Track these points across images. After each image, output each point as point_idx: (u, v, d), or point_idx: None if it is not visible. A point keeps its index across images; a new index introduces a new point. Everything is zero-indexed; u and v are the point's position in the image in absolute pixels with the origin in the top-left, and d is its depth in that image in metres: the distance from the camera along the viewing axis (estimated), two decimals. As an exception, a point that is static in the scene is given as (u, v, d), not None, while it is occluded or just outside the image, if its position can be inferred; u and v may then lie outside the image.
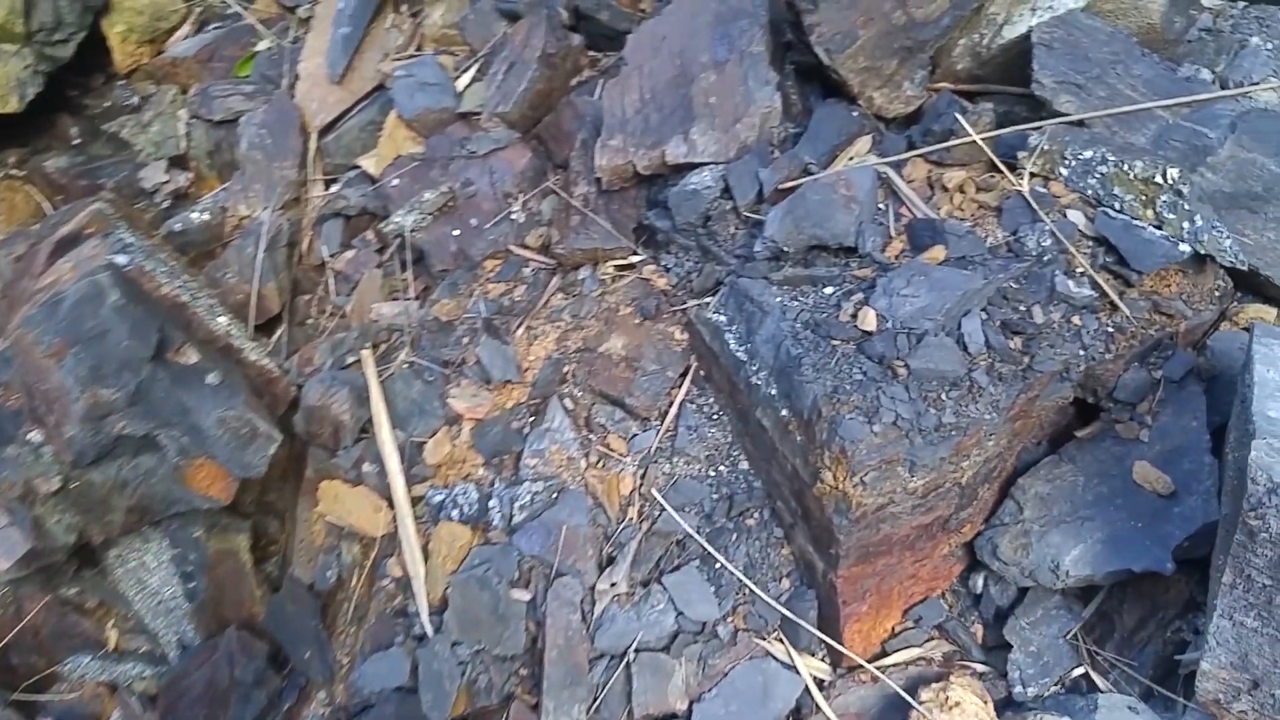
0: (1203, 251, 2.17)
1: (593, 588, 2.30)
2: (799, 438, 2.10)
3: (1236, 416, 1.92)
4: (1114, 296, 2.16)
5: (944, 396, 2.02)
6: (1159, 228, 2.21)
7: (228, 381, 2.56)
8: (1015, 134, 2.44)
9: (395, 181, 3.37)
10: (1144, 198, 2.22)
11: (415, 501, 2.61)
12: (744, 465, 2.40)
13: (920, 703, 2.05)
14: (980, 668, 2.19)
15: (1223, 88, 2.55)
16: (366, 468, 2.73)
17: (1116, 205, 2.26)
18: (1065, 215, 2.28)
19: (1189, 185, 2.16)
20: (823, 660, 2.22)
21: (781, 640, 2.22)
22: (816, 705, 2.15)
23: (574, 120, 3.20)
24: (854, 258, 2.39)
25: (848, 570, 2.10)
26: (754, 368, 2.24)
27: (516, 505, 2.45)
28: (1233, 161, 2.24)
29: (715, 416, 2.48)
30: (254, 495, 2.99)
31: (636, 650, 2.20)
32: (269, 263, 3.41)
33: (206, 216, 3.68)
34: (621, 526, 2.38)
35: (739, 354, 2.29)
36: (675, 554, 2.33)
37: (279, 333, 3.43)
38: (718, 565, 2.27)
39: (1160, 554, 1.97)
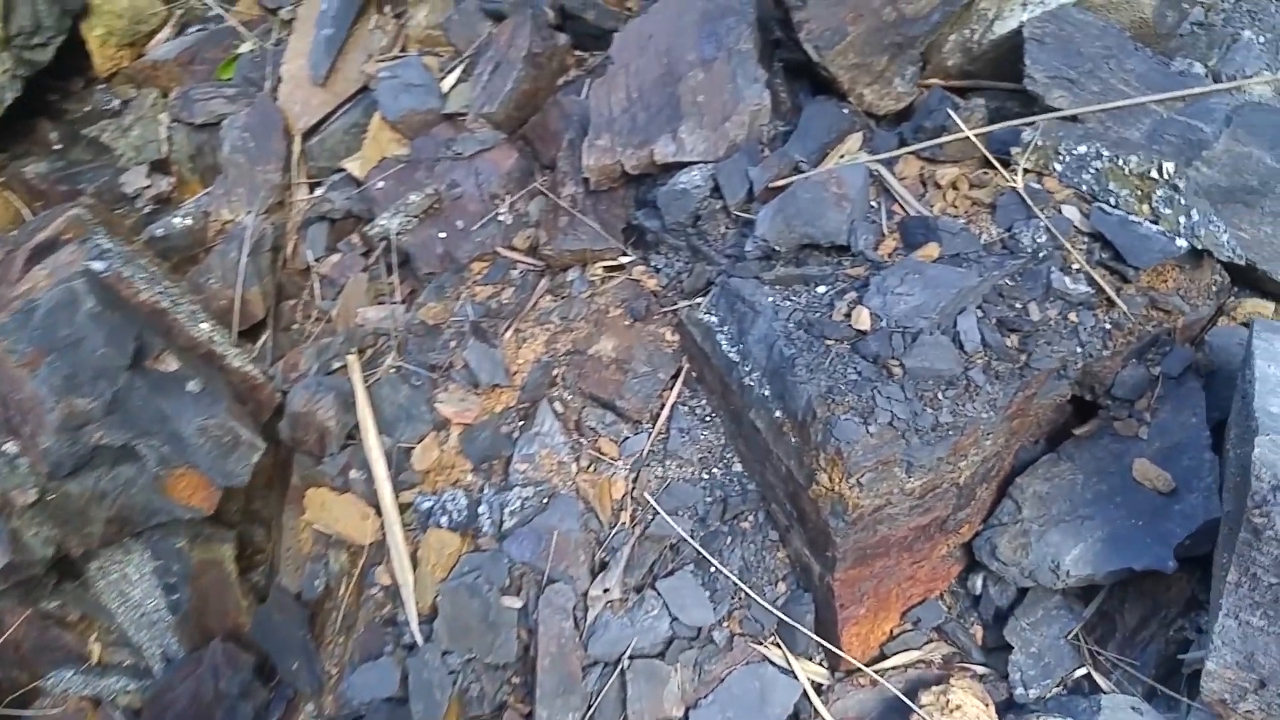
0: (1200, 246, 2.15)
1: (585, 594, 2.27)
2: (793, 439, 2.07)
3: (1237, 412, 1.90)
4: (1111, 293, 2.14)
5: (940, 396, 1.99)
6: (1155, 223, 2.19)
7: (209, 389, 2.51)
8: (1008, 130, 2.41)
9: (380, 184, 3.33)
10: (1139, 193, 2.20)
11: (403, 508, 2.58)
12: (738, 468, 2.37)
13: (920, 706, 2.03)
14: (980, 670, 2.17)
15: (1215, 82, 2.53)
16: (353, 474, 2.69)
17: (1112, 200, 2.24)
18: (1060, 211, 2.26)
19: (1185, 179, 2.14)
20: (820, 664, 2.20)
21: (778, 644, 2.19)
22: (815, 710, 2.13)
23: (561, 120, 3.16)
24: (846, 256, 2.36)
25: (845, 573, 2.07)
26: (746, 369, 2.21)
27: (506, 511, 2.42)
28: (1228, 155, 2.22)
29: (708, 418, 2.45)
30: (239, 504, 2.95)
31: (631, 657, 2.17)
32: (253, 268, 3.37)
33: (189, 221, 3.63)
34: (614, 531, 2.35)
35: (731, 355, 2.26)
36: (669, 558, 2.30)
37: (263, 338, 3.39)
38: (712, 569, 2.24)
39: (1161, 552, 1.94)
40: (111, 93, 4.35)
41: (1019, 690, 2.09)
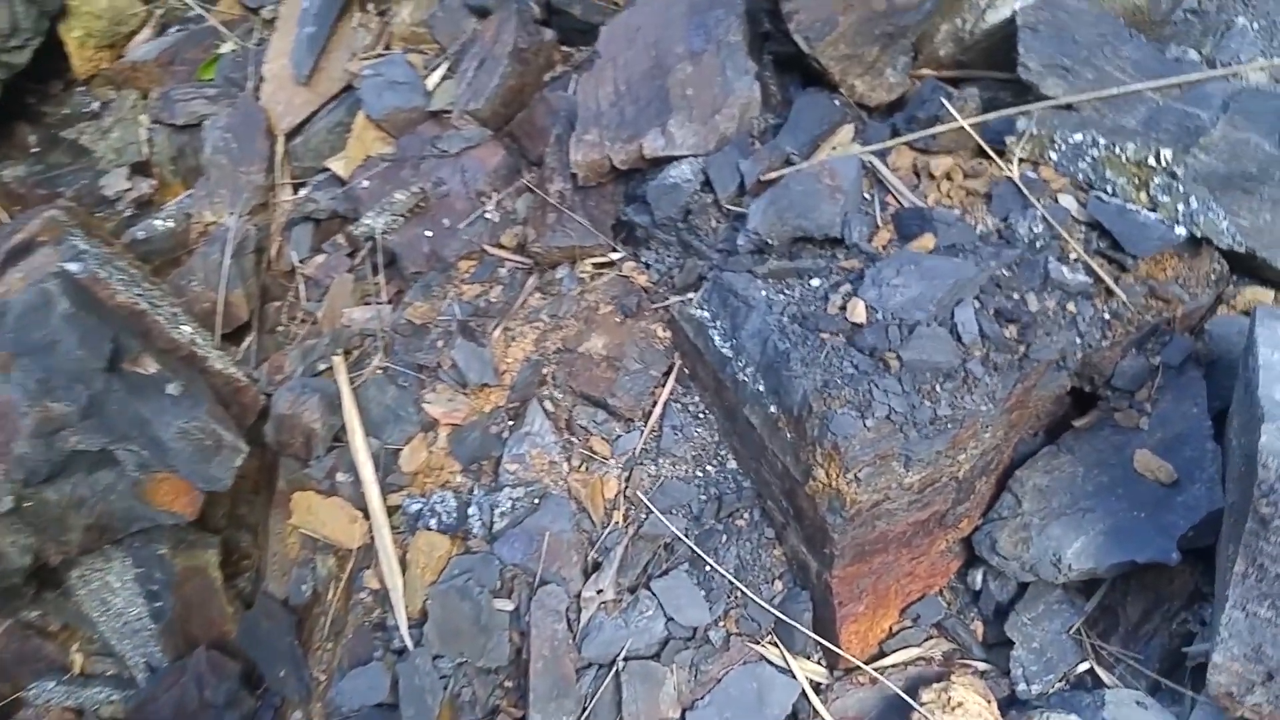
0: (1199, 234, 2.12)
1: (578, 595, 2.23)
2: (789, 435, 2.03)
3: (1240, 401, 1.87)
4: (1109, 282, 2.11)
5: (938, 388, 1.96)
6: (1153, 211, 2.16)
7: (190, 391, 2.45)
8: (1002, 119, 2.38)
9: (365, 183, 3.28)
10: (1137, 180, 2.17)
11: (391, 511, 2.53)
12: (732, 465, 2.33)
13: (922, 704, 1.99)
14: (982, 666, 2.14)
15: (1210, 69, 2.51)
16: (340, 477, 2.65)
17: (1109, 189, 2.21)
18: (1057, 200, 2.23)
19: (1183, 166, 2.11)
20: (819, 663, 2.17)
21: (776, 644, 2.16)
22: (814, 710, 2.10)
23: (548, 116, 3.11)
24: (840, 249, 2.33)
25: (843, 570, 2.03)
26: (740, 364, 2.17)
27: (497, 512, 2.38)
28: (1225, 142, 2.19)
29: (701, 415, 2.41)
30: (224, 509, 2.90)
31: (625, 658, 2.13)
32: (236, 269, 3.32)
33: (170, 224, 3.57)
34: (606, 531, 2.31)
35: (724, 350, 2.22)
36: (663, 558, 2.26)
37: (248, 341, 3.34)
38: (707, 568, 2.21)
39: (1164, 544, 1.92)
40: (91, 95, 4.28)
41: (1021, 686, 2.06)
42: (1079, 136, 2.24)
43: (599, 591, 2.21)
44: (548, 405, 2.52)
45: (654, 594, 2.19)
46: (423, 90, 3.45)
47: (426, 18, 3.64)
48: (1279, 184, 2.15)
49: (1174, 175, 2.13)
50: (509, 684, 2.23)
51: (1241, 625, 1.67)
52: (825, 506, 1.95)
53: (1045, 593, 2.12)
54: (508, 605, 2.25)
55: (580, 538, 2.31)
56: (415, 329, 2.86)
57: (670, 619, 2.16)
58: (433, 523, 2.42)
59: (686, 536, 2.24)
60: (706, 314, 2.32)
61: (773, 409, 2.06)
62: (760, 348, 2.12)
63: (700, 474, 2.34)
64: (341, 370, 2.80)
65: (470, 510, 2.41)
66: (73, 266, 2.40)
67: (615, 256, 2.78)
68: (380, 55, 3.66)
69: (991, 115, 2.39)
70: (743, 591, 2.18)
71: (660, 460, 2.36)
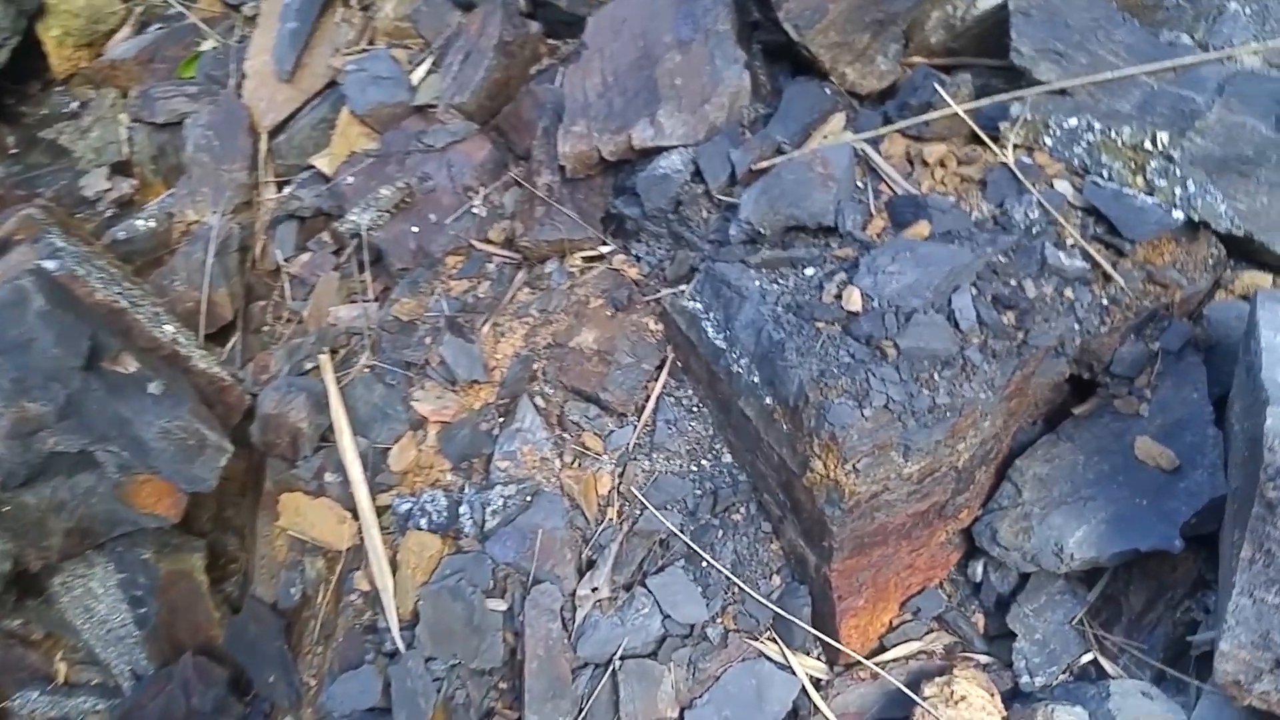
0: (1197, 218, 2.10)
1: (573, 594, 2.19)
2: (785, 426, 2.00)
3: (1241, 385, 1.85)
4: (1107, 267, 2.08)
5: (936, 376, 1.92)
6: (1150, 195, 2.14)
7: (172, 390, 2.40)
8: (995, 105, 2.36)
9: (350, 179, 3.24)
10: (1133, 164, 2.15)
11: (381, 511, 2.49)
12: (727, 458, 2.30)
13: (924, 698, 1.96)
14: (984, 659, 2.11)
15: (1204, 53, 2.49)
16: (328, 478, 2.60)
17: (1105, 174, 2.19)
18: (1052, 186, 2.21)
19: (1180, 150, 2.09)
20: (818, 659, 2.14)
21: (774, 640, 2.13)
22: (814, 706, 2.07)
23: (534, 109, 3.08)
24: (834, 237, 2.30)
25: (842, 563, 2.00)
26: (734, 355, 2.14)
27: (488, 510, 2.33)
28: (1221, 125, 2.17)
29: (695, 409, 2.38)
30: (209, 511, 2.85)
31: (622, 657, 2.10)
32: (219, 268, 3.26)
33: (152, 224, 3.52)
34: (601, 528, 2.27)
35: (718, 342, 2.19)
36: (659, 554, 2.23)
37: (232, 341, 3.29)
38: (704, 564, 2.17)
39: (1167, 531, 1.89)
40: (69, 94, 4.22)
41: (1024, 679, 2.03)
42: (1074, 121, 2.22)
43: (594, 590, 2.18)
44: (539, 401, 2.48)
45: (650, 591, 2.15)
46: (407, 85, 3.41)
47: (410, 12, 3.61)
48: (1275, 167, 2.14)
49: (1171, 159, 2.11)
50: (503, 685, 2.19)
51: (1248, 612, 1.65)
52: (823, 498, 1.92)
53: (1047, 583, 2.09)
54: (501, 605, 2.21)
55: (574, 535, 2.27)
56: (402, 326, 2.81)
57: (667, 616, 2.13)
58: (423, 522, 2.38)
59: (682, 532, 2.20)
60: (699, 306, 2.28)
61: (768, 400, 2.03)
62: (754, 338, 2.09)
63: (695, 468, 2.31)
64: (328, 369, 2.76)
65: (461, 509, 2.37)
66: (49, 264, 2.35)
67: (605, 249, 2.74)
68: (364, 50, 3.62)
69: (985, 101, 2.37)
70: (740, 587, 2.15)
71: (654, 455, 2.33)
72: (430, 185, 3.11)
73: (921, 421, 1.89)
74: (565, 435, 2.42)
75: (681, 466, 2.31)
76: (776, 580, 2.18)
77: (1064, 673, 2.03)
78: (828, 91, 2.61)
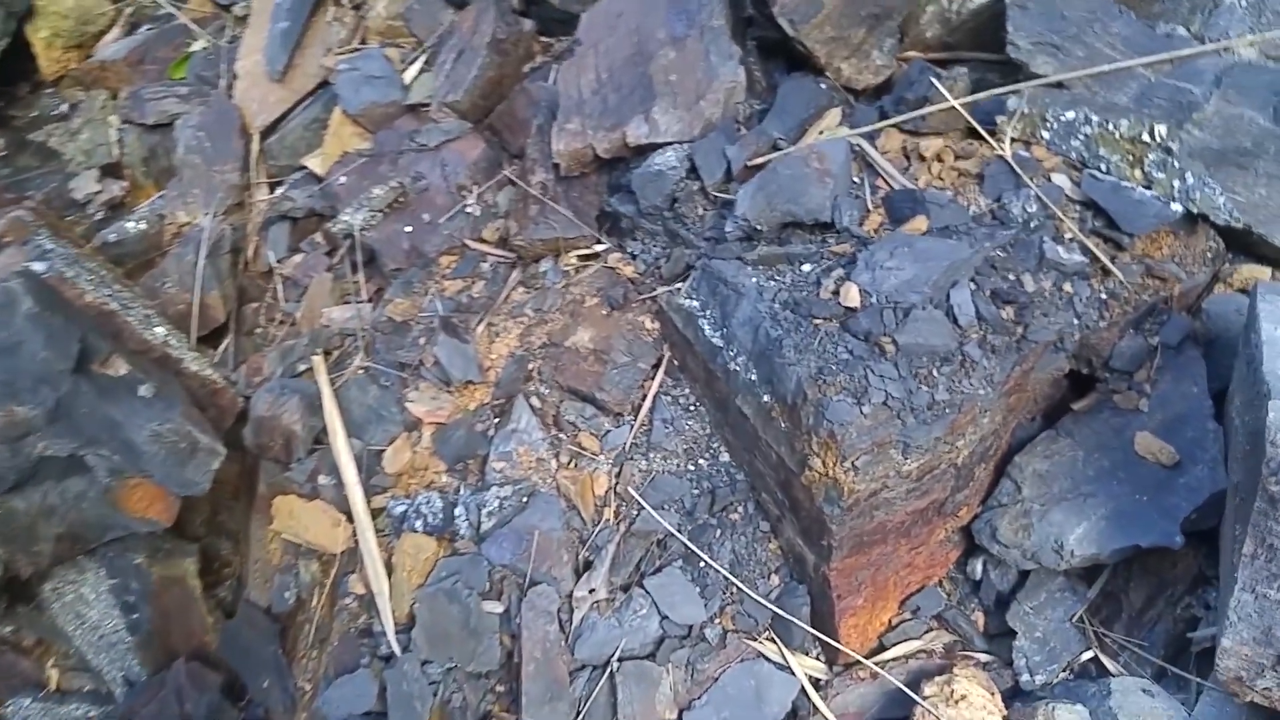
0: (1196, 211, 2.09)
1: (570, 595, 2.17)
2: (783, 424, 1.98)
3: (1242, 379, 1.83)
4: (1106, 261, 2.07)
5: (935, 373, 1.91)
6: (1148, 188, 2.13)
7: (163, 393, 2.38)
8: (992, 99, 2.35)
9: (343, 179, 3.21)
10: (1131, 157, 2.13)
11: (376, 513, 2.46)
12: (725, 457, 2.28)
13: (924, 698, 1.95)
14: (984, 657, 2.10)
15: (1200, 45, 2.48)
16: (322, 480, 2.58)
17: (1103, 167, 2.18)
18: (1050, 179, 2.19)
19: (1178, 142, 2.07)
20: (818, 659, 2.12)
21: (773, 640, 2.12)
22: (814, 706, 2.06)
23: (528, 107, 3.06)
24: (831, 233, 2.28)
25: (841, 562, 1.98)
26: (731, 353, 2.12)
27: (484, 512, 2.31)
28: (1219, 117, 2.16)
29: (692, 408, 2.36)
30: (203, 515, 2.83)
31: (620, 659, 2.08)
32: (211, 270, 3.24)
33: (143, 226, 3.49)
34: (597, 529, 2.25)
35: (714, 340, 2.17)
36: (656, 555, 2.21)
37: (225, 343, 3.27)
38: (702, 564, 2.16)
39: (1168, 527, 1.88)
40: (59, 96, 4.18)
41: (1024, 677, 2.02)
42: (1071, 114, 2.21)
43: (591, 591, 2.16)
44: (534, 401, 2.46)
45: (648, 592, 2.13)
46: (400, 84, 3.39)
47: (402, 10, 3.58)
48: (1274, 158, 2.12)
49: (1169, 151, 2.09)
50: (500, 688, 2.17)
51: (1250, 608, 1.64)
52: (822, 497, 1.90)
53: (1047, 580, 2.08)
54: (497, 607, 2.19)
55: (570, 536, 2.25)
56: (396, 327, 2.79)
57: (665, 617, 2.11)
58: (418, 524, 2.36)
59: (679, 532, 2.18)
60: (695, 303, 2.26)
61: (766, 398, 2.01)
62: (752, 336, 2.07)
63: (692, 468, 2.29)
64: (322, 370, 2.74)
65: (457, 511, 2.35)
66: (38, 266, 2.33)
67: (600, 248, 2.72)
68: (356, 50, 3.59)
69: (982, 95, 2.35)
70: (738, 587, 2.13)
71: (651, 455, 2.31)
72: (424, 185, 3.09)
73: (921, 418, 1.87)
74: (561, 435, 2.40)
75: (679, 466, 2.29)
76: (775, 580, 2.16)
77: (1064, 671, 2.01)
78: (823, 87, 2.60)
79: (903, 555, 2.07)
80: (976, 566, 2.16)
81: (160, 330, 2.65)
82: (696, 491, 2.25)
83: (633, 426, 2.35)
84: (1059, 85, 2.30)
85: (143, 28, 4.19)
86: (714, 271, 2.23)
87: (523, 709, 2.05)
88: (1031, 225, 2.13)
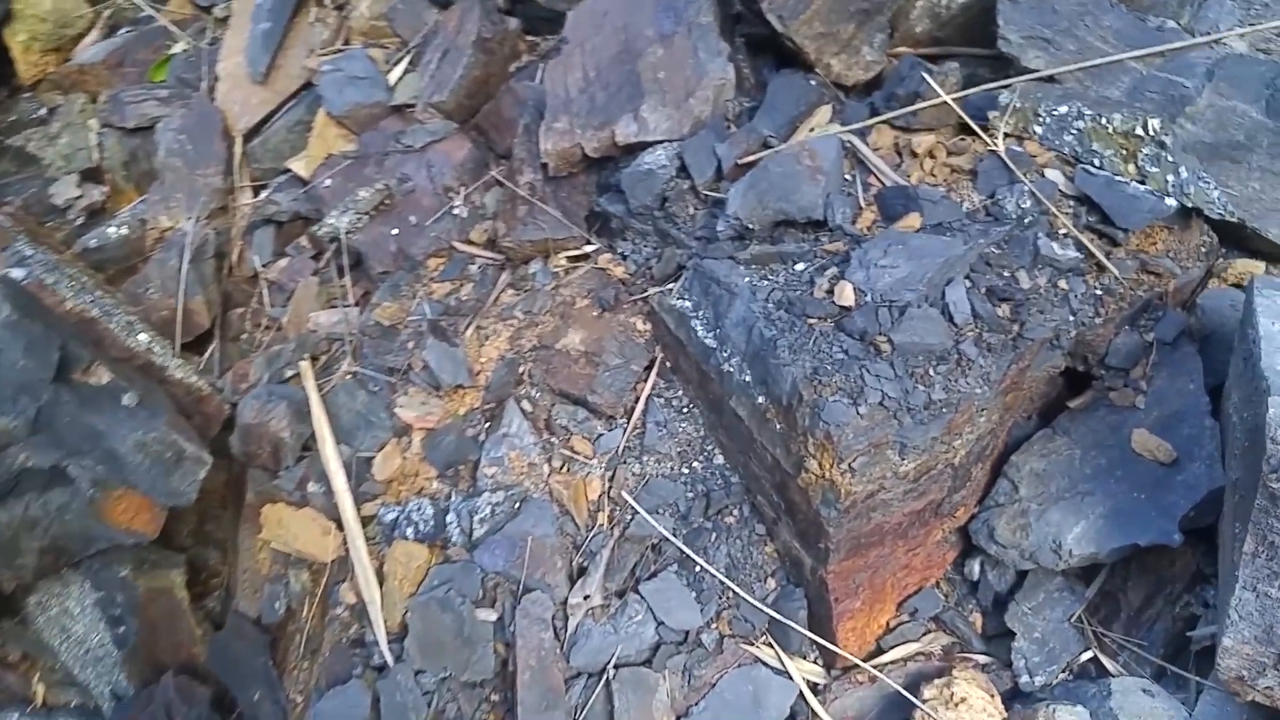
0: (1190, 205, 2.07)
1: (564, 602, 2.14)
2: (779, 425, 1.96)
3: (1239, 375, 1.82)
4: (1100, 257, 2.05)
5: (931, 372, 1.89)
6: (1142, 182, 2.11)
7: (147, 402, 2.33)
8: (983, 94, 2.33)
9: (328, 182, 3.17)
10: (1124, 152, 2.12)
11: (366, 521, 2.44)
12: (719, 460, 2.26)
13: (924, 701, 1.93)
14: (982, 659, 2.08)
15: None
16: (312, 488, 2.55)
17: (1096, 162, 2.16)
18: (1043, 175, 2.18)
19: (1172, 136, 2.06)
20: (816, 663, 2.10)
21: (771, 644, 2.09)
22: (812, 711, 2.04)
23: (515, 107, 3.02)
24: (823, 231, 2.26)
25: (838, 564, 1.96)
26: (725, 354, 2.10)
27: (476, 518, 2.28)
28: (1212, 110, 2.14)
29: (685, 410, 2.33)
30: (189, 526, 2.79)
31: (616, 666, 2.05)
32: (195, 275, 3.19)
33: (125, 231, 3.43)
34: (591, 534, 2.22)
35: (708, 341, 2.15)
36: (651, 560, 2.18)
37: (210, 349, 3.22)
38: (697, 569, 2.13)
39: (1166, 525, 1.87)
40: (37, 100, 4.11)
41: (1024, 678, 2.00)
42: (1063, 109, 2.19)
43: (586, 597, 2.13)
44: (525, 405, 2.43)
45: (643, 597, 2.11)
46: (384, 85, 3.35)
47: (386, 10, 3.54)
48: (1267, 152, 2.11)
49: (1163, 145, 2.08)
50: (495, 697, 2.14)
51: (1251, 606, 1.62)
52: (819, 499, 1.88)
53: (1045, 581, 2.06)
54: (491, 615, 2.16)
55: (564, 542, 2.22)
56: (384, 331, 2.76)
57: (661, 623, 2.09)
58: (409, 532, 2.33)
59: (674, 536, 2.16)
60: (688, 304, 2.24)
61: (761, 399, 1.99)
62: (745, 336, 2.04)
63: (686, 471, 2.26)
64: (309, 376, 2.70)
65: (448, 517, 2.32)
66: (16, 272, 2.28)
67: (590, 249, 2.69)
68: (339, 50, 3.55)
69: (973, 90, 2.33)
70: (735, 591, 2.11)
71: (644, 458, 2.28)
72: (410, 186, 3.06)
73: (917, 418, 1.85)
74: (553, 439, 2.37)
75: (673, 469, 2.27)
76: (771, 583, 2.14)
77: (1064, 671, 2.00)
78: (813, 83, 2.58)
79: (900, 557, 2.05)
80: (974, 567, 2.14)
81: (143, 337, 2.60)
82: (691, 495, 2.23)
83: (625, 430, 2.32)
84: (1051, 79, 2.29)
85: (122, 30, 4.13)
86: (706, 271, 2.20)
87: (518, 718, 2.02)
88: (1025, 221, 2.11)
